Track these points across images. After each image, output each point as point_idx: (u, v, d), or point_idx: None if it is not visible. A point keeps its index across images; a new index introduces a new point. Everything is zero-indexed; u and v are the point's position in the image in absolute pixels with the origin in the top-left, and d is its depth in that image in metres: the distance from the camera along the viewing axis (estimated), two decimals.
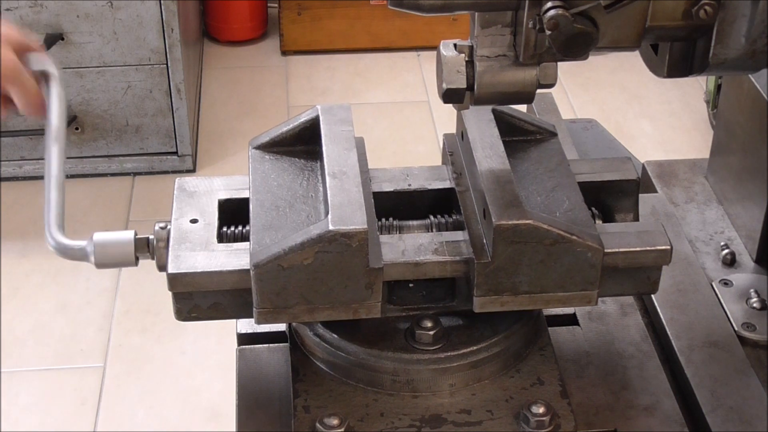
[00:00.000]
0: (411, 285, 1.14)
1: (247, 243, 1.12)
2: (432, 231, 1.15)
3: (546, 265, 1.06)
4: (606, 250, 1.09)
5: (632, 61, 3.73)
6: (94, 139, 3.19)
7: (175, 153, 3.25)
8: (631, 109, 3.62)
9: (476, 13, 1.05)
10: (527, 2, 1.00)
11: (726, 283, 1.30)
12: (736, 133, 1.40)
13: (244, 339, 1.22)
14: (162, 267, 1.11)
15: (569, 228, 1.06)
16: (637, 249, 1.10)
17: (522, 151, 1.21)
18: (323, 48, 3.86)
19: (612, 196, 1.20)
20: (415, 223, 1.17)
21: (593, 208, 1.19)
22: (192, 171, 3.29)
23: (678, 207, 1.44)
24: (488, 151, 1.15)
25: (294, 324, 1.15)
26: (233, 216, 1.18)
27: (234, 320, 1.21)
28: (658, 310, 1.25)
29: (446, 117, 3.39)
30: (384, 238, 1.10)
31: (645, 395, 1.15)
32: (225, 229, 1.15)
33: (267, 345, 1.21)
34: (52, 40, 2.98)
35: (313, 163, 1.19)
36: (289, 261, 1.03)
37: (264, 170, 1.18)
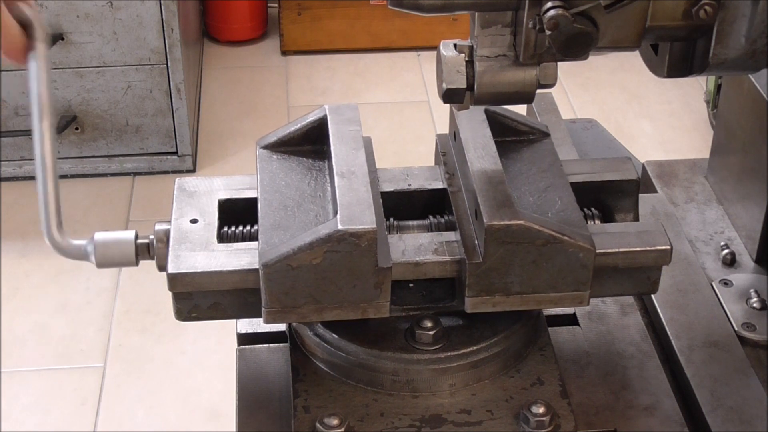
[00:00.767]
0: (411, 285, 1.15)
1: (247, 243, 1.12)
2: (432, 231, 1.15)
3: (538, 266, 1.06)
4: (606, 251, 1.09)
5: (632, 61, 3.74)
6: (94, 139, 3.20)
7: (175, 153, 3.26)
8: (631, 109, 3.62)
9: (476, 13, 1.05)
10: (527, 2, 1.00)
11: (726, 283, 1.30)
12: (736, 133, 1.40)
13: (244, 339, 1.22)
14: (162, 267, 1.11)
15: (561, 228, 1.06)
16: (637, 249, 1.10)
17: (515, 151, 1.21)
18: (323, 48, 3.86)
19: (612, 196, 1.20)
20: (414, 223, 1.17)
21: (593, 208, 1.19)
22: (192, 171, 3.29)
23: (678, 207, 1.44)
24: (480, 152, 1.15)
25: (294, 324, 1.15)
26: (233, 216, 1.18)
27: (234, 320, 1.21)
28: (658, 310, 1.25)
29: (446, 117, 3.39)
30: None
31: (645, 395, 1.15)
32: (225, 229, 1.16)
33: (267, 345, 1.21)
34: (52, 40, 2.98)
35: (320, 162, 1.19)
36: (297, 261, 1.03)
37: (272, 170, 1.18)
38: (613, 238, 1.11)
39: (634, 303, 1.27)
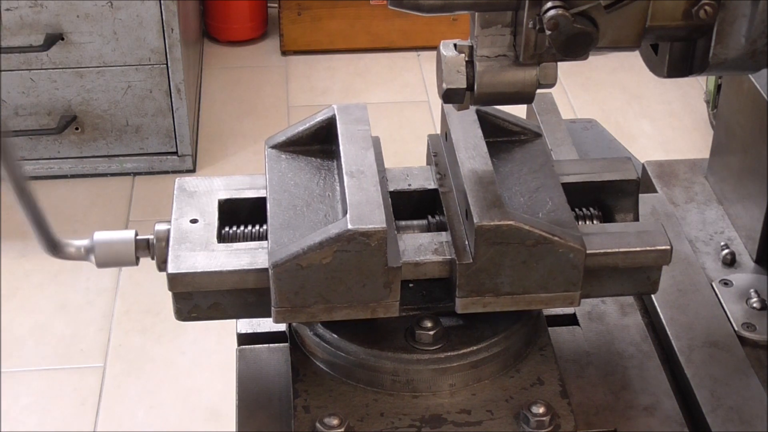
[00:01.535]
0: (411, 285, 1.14)
1: (247, 243, 1.12)
2: (432, 231, 1.15)
3: (528, 266, 1.06)
4: (606, 251, 1.09)
5: (632, 61, 3.74)
6: (94, 139, 3.20)
7: (175, 153, 3.25)
8: (631, 109, 3.62)
9: (476, 13, 1.05)
10: (527, 2, 1.00)
11: (726, 283, 1.30)
12: (736, 133, 1.40)
13: (244, 339, 1.22)
14: (162, 267, 1.11)
15: (551, 229, 1.05)
16: (637, 249, 1.10)
17: (506, 151, 1.21)
18: (323, 48, 3.86)
19: (612, 196, 1.20)
20: (415, 223, 1.17)
21: (593, 208, 1.19)
22: (192, 171, 3.29)
23: (678, 207, 1.44)
24: (471, 152, 1.14)
25: (294, 324, 1.15)
26: (233, 216, 1.18)
27: (234, 320, 1.21)
28: (658, 310, 1.25)
29: None
30: None
31: (645, 395, 1.15)
32: (225, 229, 1.16)
33: (267, 345, 1.21)
34: (52, 40, 2.99)
35: (329, 162, 1.19)
36: (307, 260, 1.03)
37: (281, 169, 1.18)
38: (613, 238, 1.11)
39: (634, 303, 1.27)
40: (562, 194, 1.13)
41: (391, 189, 1.20)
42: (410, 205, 1.20)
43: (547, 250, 1.05)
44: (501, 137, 1.22)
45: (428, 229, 1.16)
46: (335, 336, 1.11)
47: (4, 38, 2.95)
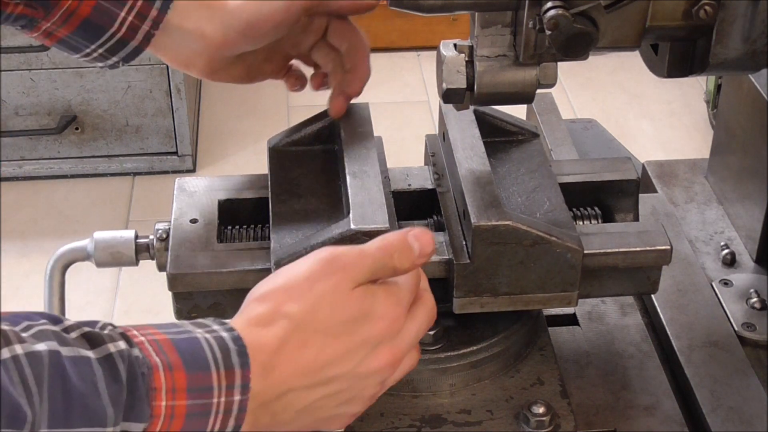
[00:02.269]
0: None
1: (247, 243, 1.12)
2: (432, 231, 1.15)
3: (525, 266, 1.06)
4: (605, 251, 1.09)
5: (632, 61, 3.73)
6: (94, 139, 3.19)
7: (175, 153, 3.25)
8: (631, 109, 3.62)
9: (476, 13, 1.05)
10: (527, 2, 1.00)
11: (726, 283, 1.30)
12: (736, 133, 1.40)
13: None
14: (162, 267, 1.11)
15: (549, 229, 1.05)
16: (637, 249, 1.10)
17: (503, 151, 1.21)
18: None
19: (612, 196, 1.20)
20: (416, 223, 1.17)
21: (593, 208, 1.19)
22: (192, 171, 3.28)
23: (678, 207, 1.44)
24: (469, 152, 1.14)
25: None
26: (233, 216, 1.17)
27: None
28: (658, 310, 1.25)
29: None
30: None
31: (645, 395, 1.15)
32: (225, 229, 1.16)
33: None
34: None
35: (332, 162, 1.19)
36: None
37: (283, 169, 1.18)
38: (613, 238, 1.11)
39: (634, 303, 1.27)
40: (560, 194, 1.13)
41: (392, 189, 1.20)
42: (410, 205, 1.20)
43: (544, 250, 1.05)
44: (498, 137, 1.22)
45: (429, 228, 1.16)
46: None
47: (4, 38, 2.94)
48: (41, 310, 1.15)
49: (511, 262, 1.05)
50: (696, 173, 1.51)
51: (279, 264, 1.03)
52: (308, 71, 1.28)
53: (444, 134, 1.21)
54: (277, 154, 1.20)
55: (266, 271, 1.06)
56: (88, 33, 1.10)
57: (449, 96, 1.09)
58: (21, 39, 2.96)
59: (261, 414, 0.87)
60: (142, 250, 1.14)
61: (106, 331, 0.81)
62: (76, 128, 3.16)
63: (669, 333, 1.22)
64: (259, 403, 0.86)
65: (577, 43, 0.98)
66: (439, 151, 1.24)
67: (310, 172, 1.18)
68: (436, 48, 1.10)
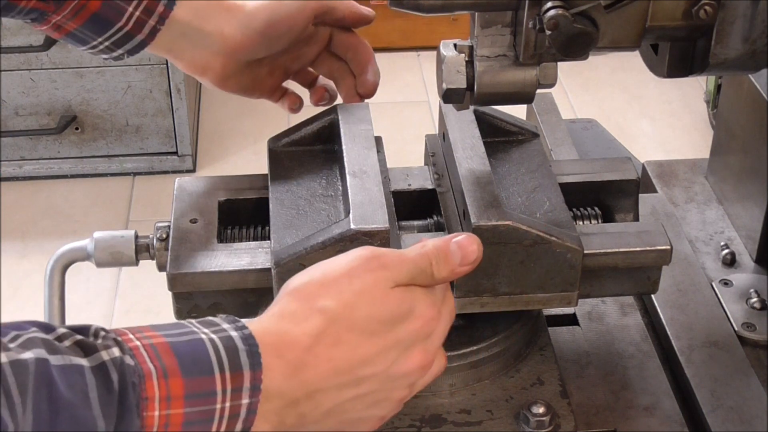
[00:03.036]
0: None
1: (247, 243, 1.12)
2: (432, 231, 1.16)
3: (525, 266, 1.06)
4: (605, 251, 1.09)
5: (632, 61, 3.73)
6: (94, 139, 3.20)
7: (175, 153, 3.25)
8: (631, 109, 3.62)
9: (476, 13, 1.05)
10: (527, 2, 1.00)
11: (726, 283, 1.30)
12: (736, 133, 1.40)
13: None
14: (162, 267, 1.11)
15: (548, 229, 1.05)
16: (637, 249, 1.10)
17: (503, 151, 1.21)
18: None
19: (612, 196, 1.20)
20: (416, 223, 1.17)
21: (593, 208, 1.19)
22: (192, 171, 3.29)
23: (678, 207, 1.44)
24: (469, 152, 1.14)
25: None
26: (233, 216, 1.18)
27: None
28: (658, 310, 1.25)
29: None
30: None
31: (645, 395, 1.15)
32: (226, 229, 1.16)
33: None
34: (53, 40, 2.98)
35: (332, 162, 1.19)
36: (310, 260, 1.02)
37: (283, 169, 1.18)
38: (613, 238, 1.11)
39: (634, 303, 1.27)
40: (560, 194, 1.13)
41: (392, 189, 1.20)
42: (410, 205, 1.20)
43: (544, 250, 1.05)
44: (498, 137, 1.22)
45: (428, 229, 1.16)
46: None
47: (4, 38, 2.94)
48: (41, 310, 1.15)
49: (511, 262, 1.05)
50: (696, 173, 1.51)
51: (279, 264, 1.03)
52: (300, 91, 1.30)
53: (444, 134, 1.21)
54: (277, 154, 1.20)
55: (266, 271, 1.06)
56: (97, 26, 1.11)
57: (449, 96, 1.09)
58: (21, 39, 2.96)
59: (288, 414, 0.84)
60: (142, 250, 1.14)
61: (99, 338, 0.78)
62: (76, 128, 3.16)
63: (669, 333, 1.22)
64: (287, 402, 0.83)
65: (577, 43, 0.98)
66: (439, 151, 1.24)
67: (310, 172, 1.18)
68: (436, 48, 1.10)
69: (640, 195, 1.21)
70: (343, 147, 1.15)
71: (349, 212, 1.04)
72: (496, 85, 1.07)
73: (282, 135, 1.22)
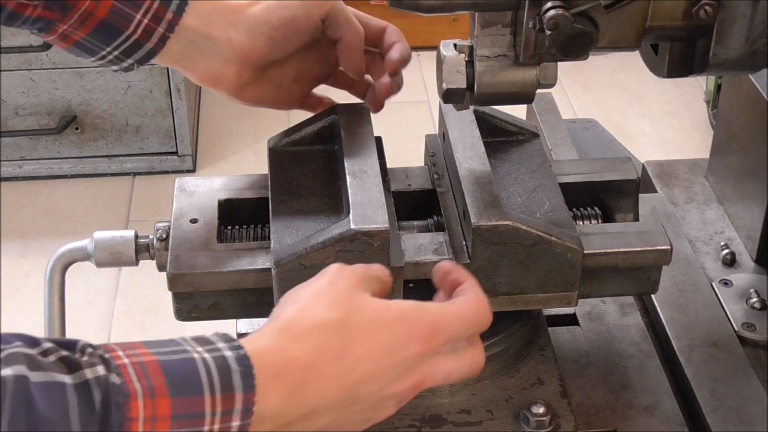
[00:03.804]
0: (411, 285, 1.14)
1: (247, 243, 1.12)
2: (432, 231, 1.15)
3: (525, 267, 1.06)
4: (605, 251, 1.09)
5: (632, 61, 3.73)
6: (94, 139, 3.19)
7: (175, 153, 3.25)
8: (631, 109, 3.62)
9: (476, 13, 1.05)
10: (527, 2, 1.00)
11: (726, 283, 1.30)
12: (736, 133, 1.40)
13: None
14: (162, 267, 1.11)
15: (548, 229, 1.05)
16: (637, 249, 1.10)
17: (503, 151, 1.21)
18: None
19: (612, 196, 1.20)
20: (416, 223, 1.17)
21: (593, 208, 1.19)
22: (192, 171, 3.28)
23: (678, 207, 1.44)
24: (469, 152, 1.14)
25: None
26: (233, 216, 1.17)
27: (234, 320, 1.21)
28: (658, 310, 1.25)
29: None
30: None
31: (645, 395, 1.15)
32: (226, 229, 1.15)
33: None
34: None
35: (332, 162, 1.19)
36: (310, 260, 1.02)
37: (283, 169, 1.18)
38: (612, 238, 1.11)
39: (634, 303, 1.27)
40: (560, 194, 1.13)
41: (392, 189, 1.20)
42: (410, 205, 1.20)
43: (544, 250, 1.05)
44: (498, 137, 1.22)
45: (428, 229, 1.16)
46: None
47: (4, 38, 2.94)
48: (41, 310, 1.15)
49: (511, 262, 1.05)
50: (696, 173, 1.51)
51: (279, 264, 1.03)
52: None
53: (444, 134, 1.21)
54: (277, 154, 1.20)
55: (266, 271, 1.06)
56: (104, 35, 1.10)
57: (449, 96, 1.09)
58: (21, 39, 2.96)
59: None
60: (142, 250, 1.14)
61: (86, 355, 0.76)
62: (76, 128, 3.16)
63: (669, 333, 1.22)
64: (280, 425, 0.82)
65: (577, 43, 0.98)
66: (439, 151, 1.24)
67: (310, 172, 1.18)
68: (436, 48, 1.10)
69: (640, 195, 1.21)
70: (343, 147, 1.15)
71: (349, 212, 1.04)
72: (496, 85, 1.07)
73: (282, 135, 1.22)
